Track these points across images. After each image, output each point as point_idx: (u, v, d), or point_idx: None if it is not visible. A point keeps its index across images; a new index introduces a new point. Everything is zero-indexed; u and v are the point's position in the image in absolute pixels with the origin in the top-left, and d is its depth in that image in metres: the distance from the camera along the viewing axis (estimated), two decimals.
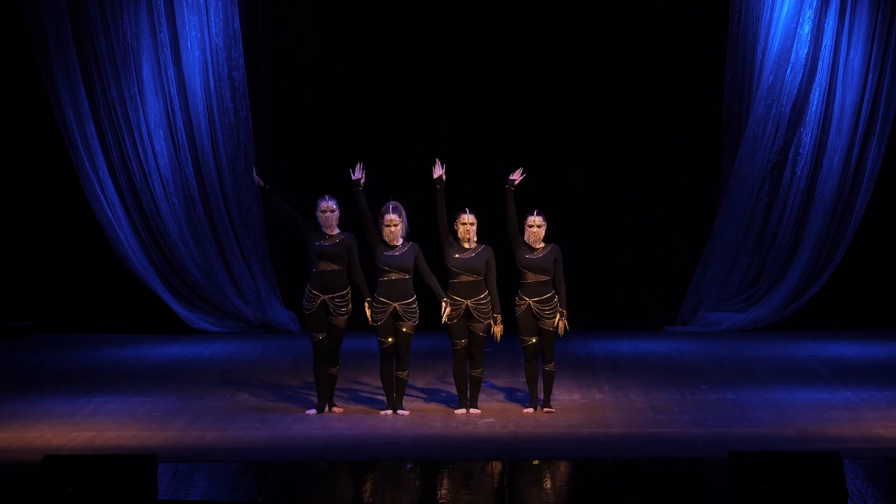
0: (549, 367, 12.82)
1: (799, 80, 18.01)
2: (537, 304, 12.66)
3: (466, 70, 18.59)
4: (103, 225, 18.20)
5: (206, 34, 18.10)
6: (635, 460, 10.93)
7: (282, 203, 13.03)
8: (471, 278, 12.62)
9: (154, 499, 9.17)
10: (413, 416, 12.69)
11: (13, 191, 18.54)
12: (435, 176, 12.68)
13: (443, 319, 12.58)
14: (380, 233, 12.63)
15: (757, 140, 18.09)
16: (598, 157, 18.72)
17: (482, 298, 12.65)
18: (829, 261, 18.23)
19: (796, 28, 17.95)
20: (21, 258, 18.59)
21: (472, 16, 18.56)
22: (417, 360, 14.52)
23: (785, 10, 17.93)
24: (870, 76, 17.98)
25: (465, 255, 12.62)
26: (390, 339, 12.67)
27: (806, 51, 17.98)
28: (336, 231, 12.81)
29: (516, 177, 12.74)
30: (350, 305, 12.82)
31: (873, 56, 17.95)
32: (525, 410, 12.80)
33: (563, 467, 10.80)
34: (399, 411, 12.74)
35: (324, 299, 12.72)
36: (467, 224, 12.67)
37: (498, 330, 12.67)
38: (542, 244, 12.68)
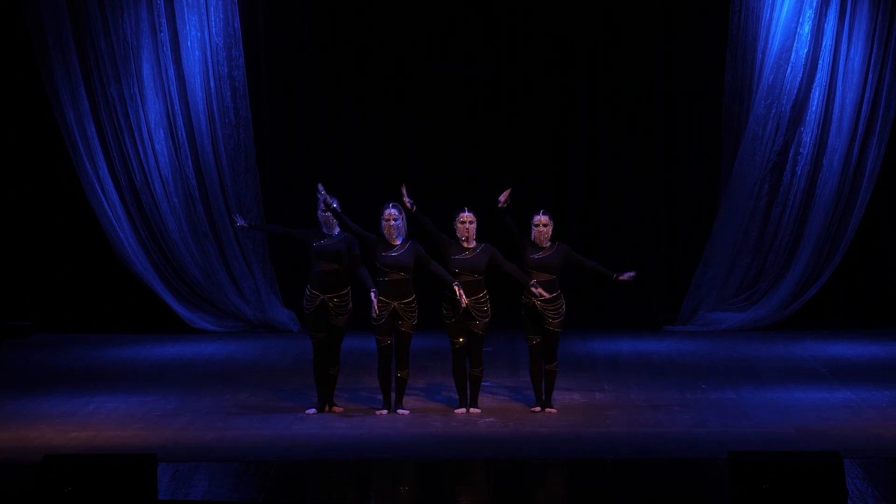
0: (552, 366, 12.83)
1: (799, 79, 18.01)
2: (543, 304, 12.66)
3: (466, 70, 18.58)
4: (103, 225, 18.20)
5: (206, 34, 18.10)
6: (635, 460, 10.93)
7: (273, 227, 13.02)
8: (471, 278, 12.62)
9: (154, 499, 9.17)
10: (413, 415, 12.69)
11: (13, 191, 18.54)
12: (408, 206, 12.59)
13: (463, 303, 12.47)
14: (380, 231, 12.63)
15: (757, 140, 18.09)
16: (599, 157, 18.72)
17: (481, 298, 12.66)
18: (829, 261, 18.23)
19: (796, 28, 17.96)
20: (21, 258, 18.59)
21: (472, 16, 18.55)
22: (417, 359, 14.51)
23: (785, 9, 17.93)
24: (870, 76, 17.98)
25: (465, 256, 12.62)
26: (389, 339, 12.68)
27: (806, 51, 17.98)
28: (336, 230, 12.80)
29: (504, 198, 12.70)
30: (350, 305, 12.82)
31: (873, 56, 17.95)
32: (533, 410, 12.80)
33: (563, 467, 10.80)
34: (399, 411, 12.74)
35: (323, 299, 12.72)
36: (466, 223, 12.67)
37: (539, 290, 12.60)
38: (549, 243, 12.69)
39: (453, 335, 12.72)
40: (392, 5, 18.53)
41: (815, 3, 17.90)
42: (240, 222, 13.26)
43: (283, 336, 18.03)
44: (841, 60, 17.96)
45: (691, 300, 18.40)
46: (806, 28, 17.94)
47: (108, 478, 9.08)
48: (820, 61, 17.99)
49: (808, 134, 18.08)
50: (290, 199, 18.51)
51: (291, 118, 18.71)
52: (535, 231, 12.70)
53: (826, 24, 17.93)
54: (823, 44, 17.97)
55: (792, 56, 17.96)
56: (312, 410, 12.80)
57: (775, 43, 17.96)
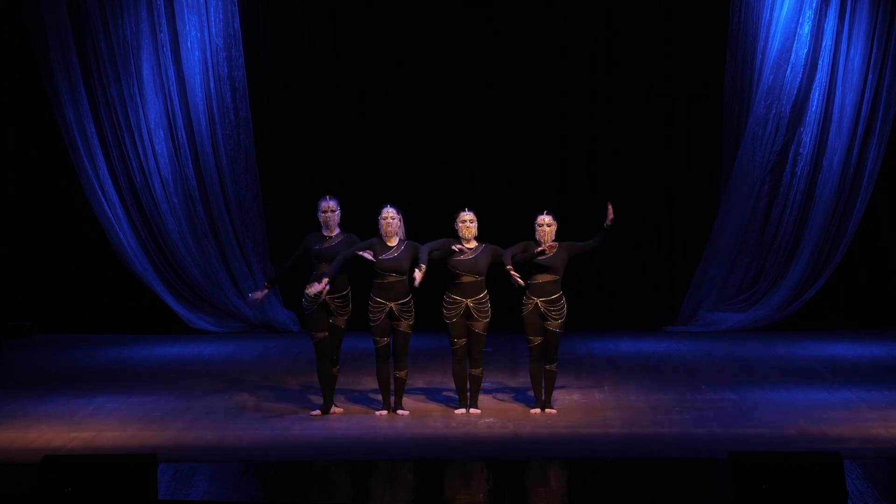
0: (552, 367, 12.83)
1: (799, 80, 18.01)
2: (545, 304, 12.66)
3: (466, 70, 18.58)
4: (103, 225, 18.21)
5: (206, 34, 18.10)
6: (635, 460, 10.93)
7: (284, 267, 12.99)
8: (472, 279, 12.62)
9: (154, 499, 9.17)
10: (413, 416, 12.68)
11: (13, 191, 18.54)
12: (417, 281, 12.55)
13: (417, 281, 12.45)
14: (380, 232, 12.63)
15: (757, 140, 18.09)
16: (599, 157, 18.72)
17: (482, 298, 12.66)
18: (829, 261, 18.23)
19: (796, 28, 17.96)
20: (21, 258, 18.59)
21: (473, 16, 18.55)
22: (417, 359, 14.54)
23: (785, 10, 17.93)
24: (870, 76, 17.98)
25: (467, 257, 12.62)
26: (386, 340, 12.68)
27: (806, 51, 17.98)
28: (336, 231, 12.80)
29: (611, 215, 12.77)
30: (350, 306, 12.83)
31: (873, 56, 17.95)
32: (532, 411, 12.80)
33: (564, 467, 10.80)
34: (399, 411, 12.74)
35: (324, 300, 12.71)
36: (467, 222, 12.67)
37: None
38: (553, 244, 12.69)
39: (453, 335, 12.72)
40: (392, 5, 18.53)
41: (815, 3, 17.90)
42: (256, 295, 13.22)
43: (283, 336, 18.03)
44: (841, 60, 17.96)
45: (691, 300, 18.40)
46: (806, 28, 17.94)
47: (108, 478, 9.08)
48: (820, 61, 17.99)
49: (808, 134, 18.09)
50: (290, 199, 18.51)
51: (291, 118, 18.71)
52: (538, 231, 12.70)
53: (826, 24, 17.93)
54: (823, 44, 17.97)
55: (792, 56, 17.97)
56: (317, 412, 12.80)
57: (775, 43, 17.97)
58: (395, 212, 12.64)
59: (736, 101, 18.25)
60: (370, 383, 13.81)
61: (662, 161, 18.69)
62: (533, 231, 12.74)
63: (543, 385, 12.86)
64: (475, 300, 12.63)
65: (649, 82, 18.57)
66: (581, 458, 11.02)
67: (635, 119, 18.62)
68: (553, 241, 12.70)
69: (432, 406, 13.13)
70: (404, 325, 12.66)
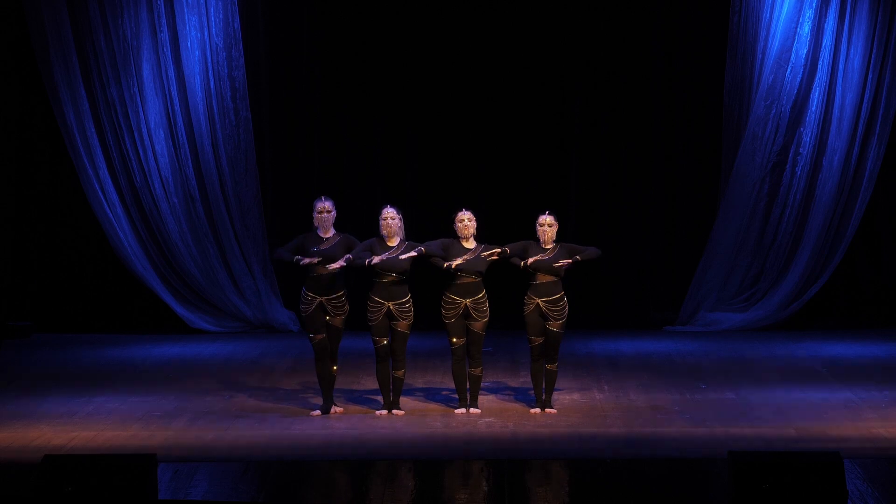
0: (552, 366, 12.83)
1: (799, 80, 18.01)
2: (546, 304, 12.66)
3: (466, 71, 18.57)
4: (103, 225, 18.21)
5: (206, 34, 18.10)
6: (635, 460, 10.93)
7: (283, 256, 12.91)
8: (471, 279, 12.63)
9: (154, 499, 9.17)
10: (413, 415, 12.69)
11: (13, 191, 18.53)
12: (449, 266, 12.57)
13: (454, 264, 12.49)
14: (380, 231, 12.63)
15: (757, 140, 18.09)
16: (599, 157, 18.72)
17: (480, 298, 12.67)
18: (829, 261, 18.23)
19: (796, 28, 17.96)
20: (21, 258, 18.59)
21: (473, 17, 18.55)
22: (417, 359, 14.54)
23: (785, 10, 17.93)
24: (870, 76, 17.98)
25: (466, 257, 12.61)
26: (385, 339, 12.68)
27: (806, 51, 17.98)
28: (332, 232, 12.79)
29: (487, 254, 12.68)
30: (347, 306, 12.82)
31: (873, 56, 17.95)
32: (532, 411, 12.80)
33: (563, 467, 10.80)
34: (395, 411, 12.74)
35: (320, 301, 12.71)
36: (465, 221, 12.67)
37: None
38: (553, 244, 12.69)
39: (452, 335, 12.72)
40: (392, 6, 18.53)
41: (815, 3, 17.90)
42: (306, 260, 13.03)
43: (283, 336, 18.03)
44: (841, 60, 17.96)
45: (691, 300, 18.40)
46: (806, 28, 17.94)
47: (108, 478, 9.08)
48: (820, 61, 17.99)
49: (808, 134, 18.09)
50: (290, 199, 18.51)
51: (291, 118, 18.71)
52: (539, 231, 12.70)
53: (826, 24, 17.93)
54: (823, 44, 17.97)
55: (792, 56, 17.96)
56: (317, 412, 12.80)
57: (775, 43, 17.97)
58: (395, 212, 12.64)
59: (736, 101, 18.25)
60: (370, 383, 13.81)
61: (662, 161, 18.69)
62: (534, 231, 12.74)
63: (544, 385, 12.86)
64: (473, 300, 12.64)
65: (649, 82, 18.57)
66: (581, 458, 11.02)
67: (635, 119, 18.62)
68: (553, 241, 12.70)
69: (432, 406, 13.13)
70: (403, 325, 12.67)
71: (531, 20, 18.54)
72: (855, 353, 16.13)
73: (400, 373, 12.77)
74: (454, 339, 12.72)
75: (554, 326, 12.69)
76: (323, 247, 12.70)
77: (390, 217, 12.61)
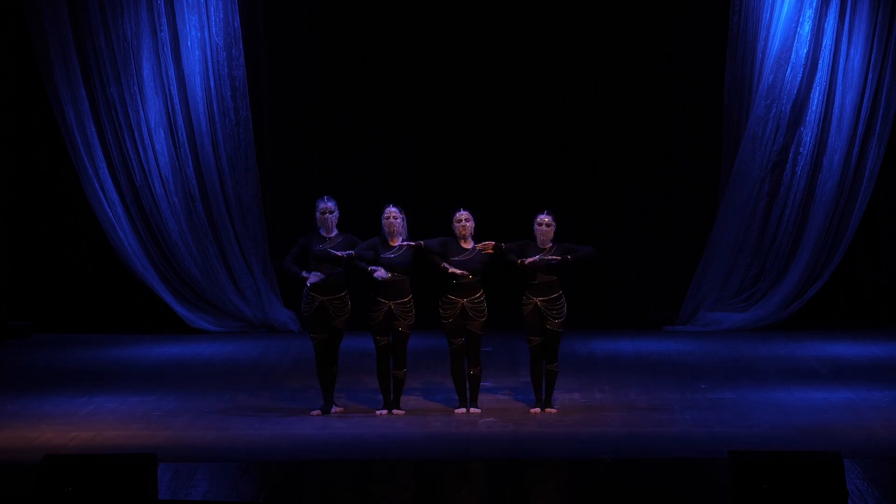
0: (553, 366, 12.83)
1: (799, 79, 18.01)
2: (544, 304, 12.66)
3: (466, 71, 18.57)
4: (103, 225, 18.20)
5: (206, 33, 18.10)
6: (635, 460, 10.93)
7: (291, 265, 12.89)
8: (469, 279, 12.61)
9: (154, 499, 9.17)
10: (413, 415, 12.68)
11: (13, 191, 18.53)
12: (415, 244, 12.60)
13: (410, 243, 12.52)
14: (383, 230, 12.63)
15: (757, 140, 18.09)
16: (599, 157, 18.71)
17: (477, 297, 12.66)
18: (829, 261, 18.22)
19: (796, 28, 17.95)
20: (21, 258, 18.59)
21: (473, 17, 18.54)
22: (417, 359, 14.53)
23: (785, 9, 17.93)
24: (870, 76, 17.98)
25: (464, 257, 12.62)
26: (386, 339, 12.67)
27: (806, 50, 17.98)
28: (335, 233, 12.79)
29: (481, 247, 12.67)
30: (348, 306, 12.82)
31: (873, 56, 17.95)
32: (532, 410, 12.80)
33: (563, 467, 10.80)
34: (395, 411, 12.74)
35: (322, 301, 12.71)
36: (463, 221, 12.67)
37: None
38: (551, 244, 12.69)
39: (451, 335, 12.72)
40: (392, 6, 18.52)
41: (815, 3, 17.90)
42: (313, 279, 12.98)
43: (283, 336, 18.03)
44: (841, 60, 17.95)
45: (691, 300, 18.40)
46: (806, 28, 17.94)
47: (108, 478, 9.08)
48: (820, 61, 17.99)
49: (808, 134, 18.08)
50: (290, 199, 18.50)
51: (291, 118, 18.71)
52: (537, 231, 12.70)
53: (826, 24, 17.93)
54: (823, 44, 17.97)
55: (792, 56, 17.96)
56: (317, 412, 12.79)
57: (775, 43, 17.96)
58: (397, 211, 12.64)
59: (736, 101, 18.25)
60: (370, 383, 13.81)
61: (662, 161, 18.69)
62: (532, 230, 12.73)
63: (543, 385, 12.85)
64: (471, 300, 12.63)
65: (649, 82, 18.56)
66: (581, 458, 11.02)
67: (635, 119, 18.61)
68: (552, 241, 12.70)
69: (432, 406, 13.13)
70: (404, 325, 12.67)
71: (531, 20, 18.53)
72: (855, 353, 16.13)
73: (401, 372, 12.77)
74: (453, 340, 12.72)
75: (553, 326, 12.69)
76: (326, 246, 12.69)
77: (393, 216, 12.61)
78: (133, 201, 18.27)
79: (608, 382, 14.34)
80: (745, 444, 11.24)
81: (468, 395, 12.84)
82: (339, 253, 12.54)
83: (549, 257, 12.58)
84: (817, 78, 18.00)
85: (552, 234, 12.70)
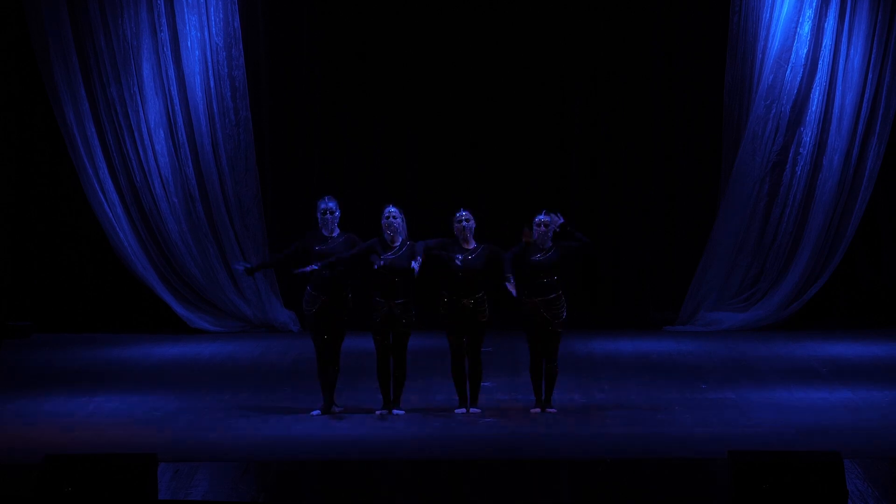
0: (552, 366, 12.83)
1: (799, 79, 18.02)
2: (544, 304, 12.65)
3: (466, 71, 18.57)
4: (103, 225, 18.20)
5: (206, 34, 18.11)
6: (635, 460, 10.93)
7: (272, 260, 12.95)
8: (470, 279, 12.61)
9: (154, 499, 9.17)
10: (413, 416, 12.68)
11: (13, 191, 18.53)
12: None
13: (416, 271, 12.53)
14: (382, 230, 12.63)
15: (757, 140, 18.09)
16: (599, 157, 18.72)
17: (480, 297, 12.65)
18: (829, 261, 18.23)
19: (796, 28, 17.96)
20: (21, 258, 18.59)
21: (472, 17, 18.54)
22: (417, 359, 14.52)
23: (785, 9, 17.93)
24: (870, 76, 17.98)
25: (466, 257, 12.62)
26: (387, 339, 12.67)
27: (806, 50, 17.98)
28: (336, 232, 12.79)
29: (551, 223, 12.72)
30: (349, 307, 12.81)
31: (873, 56, 17.95)
32: (532, 410, 12.79)
33: (563, 467, 10.80)
34: (395, 411, 12.73)
35: (324, 300, 12.71)
36: (463, 221, 12.67)
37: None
38: (549, 244, 12.69)
39: (451, 335, 12.72)
40: (392, 6, 18.53)
41: (815, 3, 17.91)
42: (239, 266, 13.24)
43: (283, 336, 18.03)
44: (841, 60, 17.96)
45: (691, 300, 18.40)
46: (806, 28, 17.94)
47: (108, 478, 9.07)
48: (820, 61, 18.00)
49: (808, 134, 18.09)
50: (290, 199, 18.50)
51: (291, 118, 18.71)
52: (536, 231, 12.70)
53: (826, 24, 17.93)
54: (823, 44, 17.97)
55: (792, 56, 17.97)
56: (317, 412, 12.79)
57: (775, 43, 17.97)
58: (397, 211, 12.64)
59: (736, 101, 18.25)
60: (370, 383, 13.80)
61: (662, 161, 18.69)
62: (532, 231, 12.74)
63: (543, 385, 12.85)
64: (473, 300, 12.63)
65: (649, 82, 18.57)
66: (581, 458, 11.02)
67: (635, 119, 18.62)
68: (550, 241, 12.70)
69: (432, 406, 13.13)
70: (404, 325, 12.66)
71: (531, 20, 18.54)
72: (855, 353, 16.13)
73: (401, 372, 12.77)
74: (453, 339, 12.72)
75: (553, 326, 12.69)
76: (327, 246, 12.69)
77: (392, 217, 12.61)
78: (133, 201, 18.27)
79: (608, 382, 14.34)
80: (745, 444, 11.23)
81: (468, 395, 12.84)
82: (307, 269, 12.55)
83: (553, 221, 12.55)
84: (817, 78, 18.01)
85: (551, 234, 12.69)
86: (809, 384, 14.15)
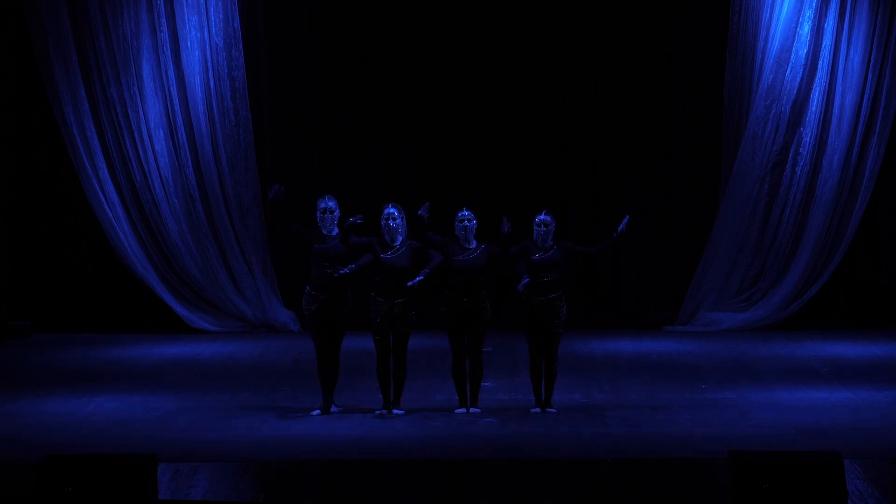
0: (552, 366, 12.83)
1: (799, 79, 18.02)
2: (545, 304, 12.65)
3: (466, 71, 18.57)
4: (103, 225, 18.21)
5: (206, 34, 18.11)
6: (635, 460, 10.93)
7: (295, 229, 12.91)
8: (471, 278, 12.61)
9: (154, 499, 9.17)
10: (413, 416, 12.68)
11: (13, 191, 18.53)
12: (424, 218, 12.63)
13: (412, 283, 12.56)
14: (382, 231, 12.64)
15: (757, 140, 18.10)
16: (599, 157, 18.72)
17: (480, 297, 12.65)
18: (829, 261, 18.23)
19: (796, 28, 17.96)
20: (21, 258, 18.59)
21: (472, 17, 18.55)
22: (417, 359, 14.52)
23: (785, 10, 17.94)
24: (870, 76, 17.99)
25: (467, 256, 12.63)
26: (386, 339, 12.67)
27: (806, 51, 17.99)
28: (335, 232, 12.79)
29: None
30: (349, 307, 12.81)
31: (873, 56, 17.95)
32: (532, 411, 12.79)
33: (563, 467, 10.80)
34: (395, 411, 12.73)
35: (325, 300, 12.71)
36: (465, 221, 12.67)
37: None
38: (550, 244, 12.69)
39: (452, 334, 12.72)
40: (392, 6, 18.53)
41: (814, 3, 17.91)
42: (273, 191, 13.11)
43: (283, 336, 18.03)
44: (841, 60, 17.96)
45: (691, 300, 18.40)
46: (806, 28, 17.94)
47: (108, 478, 9.07)
48: (820, 61, 18.00)
49: (808, 134, 18.09)
50: (290, 199, 18.46)
51: (291, 118, 18.71)
52: (536, 231, 12.70)
53: (826, 24, 17.93)
54: (823, 44, 17.98)
55: (792, 56, 17.97)
56: (317, 412, 12.79)
57: (775, 43, 17.97)
58: (396, 211, 12.64)
59: (736, 101, 18.26)
60: (370, 383, 13.80)
61: (662, 161, 18.69)
62: (532, 231, 12.73)
63: (543, 384, 12.85)
64: (474, 299, 12.63)
65: (649, 82, 18.57)
66: (581, 458, 11.02)
67: (635, 119, 18.62)
68: (551, 241, 12.70)
69: (432, 406, 13.13)
70: (404, 325, 12.66)
71: (531, 20, 18.54)
72: (855, 353, 16.13)
73: (401, 372, 12.77)
74: (454, 339, 12.73)
75: (553, 326, 12.69)
76: (327, 245, 12.69)
77: (391, 218, 12.61)
78: (133, 202, 18.27)
79: (608, 382, 14.34)
80: (745, 444, 11.23)
81: (468, 395, 12.84)
82: (346, 270, 12.56)
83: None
84: (817, 78, 18.01)
85: (551, 234, 12.70)
86: (809, 384, 14.16)
